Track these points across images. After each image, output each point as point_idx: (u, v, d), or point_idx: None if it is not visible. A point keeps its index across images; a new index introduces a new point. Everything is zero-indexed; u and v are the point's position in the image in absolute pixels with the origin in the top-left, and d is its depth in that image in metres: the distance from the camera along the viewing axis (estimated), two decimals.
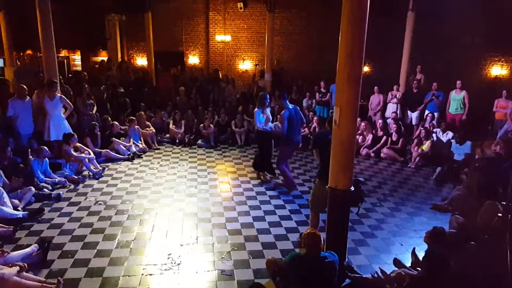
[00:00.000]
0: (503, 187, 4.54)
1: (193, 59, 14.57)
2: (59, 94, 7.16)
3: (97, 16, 13.19)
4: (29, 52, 14.19)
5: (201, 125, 9.47)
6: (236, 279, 3.81)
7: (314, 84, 11.07)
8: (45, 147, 6.27)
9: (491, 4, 9.51)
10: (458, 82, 9.17)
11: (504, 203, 3.30)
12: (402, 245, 4.61)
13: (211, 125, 9.48)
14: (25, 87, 7.04)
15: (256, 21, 13.97)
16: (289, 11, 13.55)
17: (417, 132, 8.72)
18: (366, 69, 12.92)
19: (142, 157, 8.09)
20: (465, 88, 9.16)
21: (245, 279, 3.80)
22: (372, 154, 8.54)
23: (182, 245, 4.45)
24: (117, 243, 4.47)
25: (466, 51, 11.71)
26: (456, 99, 9.18)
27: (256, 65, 14.16)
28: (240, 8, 13.57)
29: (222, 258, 4.20)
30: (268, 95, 6.70)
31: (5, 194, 4.91)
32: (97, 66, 12.72)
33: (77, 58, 15.12)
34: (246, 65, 14.45)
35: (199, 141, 9.21)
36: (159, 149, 8.84)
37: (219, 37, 14.15)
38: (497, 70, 12.45)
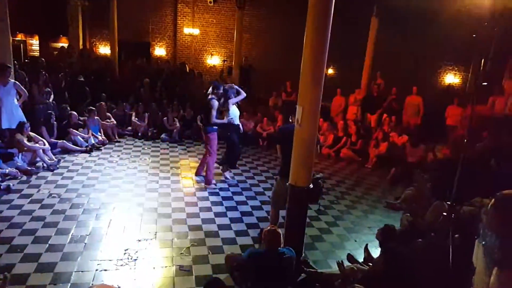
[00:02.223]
0: (450, 189, 4.84)
1: (160, 51, 14.20)
2: (12, 80, 6.70)
3: (58, 0, 12.47)
4: None
5: (165, 118, 9.27)
6: (194, 275, 3.79)
7: (281, 83, 11.18)
8: None
9: (448, 16, 10.04)
10: (414, 88, 9.65)
11: (449, 203, 3.52)
12: (356, 241, 4.79)
13: (176, 120, 9.31)
14: None
15: (226, 17, 13.85)
16: (258, 9, 13.55)
17: (375, 134, 9.07)
18: (330, 71, 13.24)
19: (101, 150, 7.79)
20: (420, 94, 9.65)
21: (204, 275, 3.78)
22: (333, 154, 8.79)
23: (140, 241, 4.35)
24: (70, 237, 4.28)
25: (424, 59, 12.32)
26: (412, 104, 9.65)
27: (224, 61, 14.06)
28: (210, 2, 13.40)
29: (181, 253, 4.15)
30: (216, 83, 6.45)
31: None
32: (56, 52, 12.04)
33: (35, 43, 14.18)
34: (214, 60, 14.30)
35: (163, 135, 9.00)
36: (119, 142, 8.55)
37: (187, 30, 13.88)
38: (450, 78, 13.22)
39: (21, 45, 13.29)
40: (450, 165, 6.16)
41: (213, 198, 5.77)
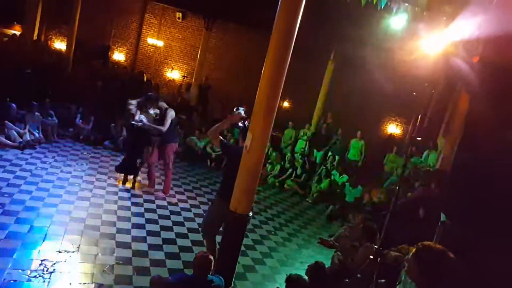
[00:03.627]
0: (379, 232, 5.07)
1: (119, 56, 13.75)
2: None
3: None
4: None
5: (112, 125, 8.84)
6: None
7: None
8: None
9: (395, 73, 10.93)
10: (359, 132, 10.23)
11: (376, 247, 3.66)
12: (287, 275, 4.78)
13: (124, 128, 8.90)
14: None
15: (192, 35, 13.87)
16: (225, 33, 13.76)
17: (319, 170, 9.39)
18: (285, 104, 13.63)
19: (35, 148, 7.17)
20: (364, 138, 10.24)
21: None
22: (277, 184, 8.92)
23: (60, 252, 3.99)
24: None
25: (370, 107, 13.17)
26: (356, 146, 10.19)
27: (184, 76, 13.94)
28: (178, 18, 13.37)
29: (103, 271, 3.86)
30: (150, 96, 6.43)
31: None
32: (6, 39, 11.15)
33: None
34: (174, 74, 14.13)
35: (106, 142, 8.52)
36: (58, 142, 7.96)
37: (151, 40, 13.67)
38: (392, 128, 14.22)
39: None
40: (382, 210, 6.54)
41: (148, 215, 5.50)
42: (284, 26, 3.59)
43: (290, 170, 9.10)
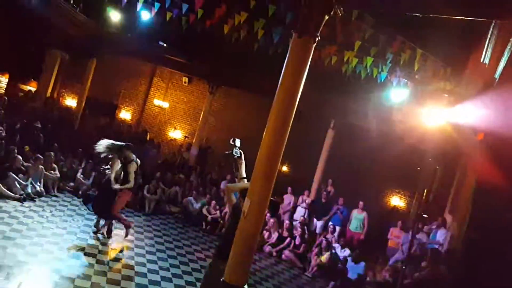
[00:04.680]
0: None
1: (125, 114, 14.54)
2: None
3: (41, 48, 12.87)
4: None
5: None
6: None
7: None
8: None
9: (396, 147, 11.40)
10: (361, 203, 10.35)
11: None
12: None
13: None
14: None
15: (196, 98, 14.79)
16: (228, 97, 14.64)
17: (319, 241, 9.35)
18: (284, 168, 13.92)
19: (35, 201, 7.42)
20: (366, 210, 10.33)
21: None
22: (274, 254, 8.85)
23: None
24: None
25: (371, 177, 13.44)
26: (357, 218, 10.24)
27: (185, 137, 14.57)
28: (185, 82, 14.42)
29: None
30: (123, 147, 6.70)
31: None
32: (21, 94, 12.01)
33: (3, 81, 14.11)
34: (176, 134, 14.77)
35: None
36: (57, 196, 8.21)
37: (157, 102, 14.59)
38: (396, 200, 14.30)
39: None
40: None
41: (138, 280, 5.52)
42: (285, 95, 3.95)
43: (289, 239, 9.09)
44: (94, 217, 7.59)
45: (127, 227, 6.80)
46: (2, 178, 7.21)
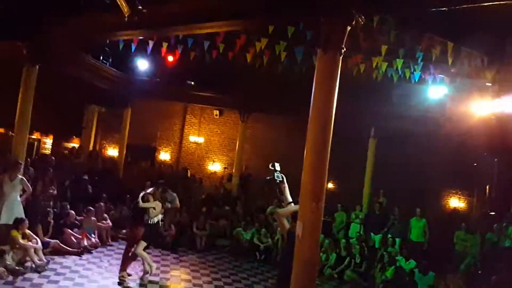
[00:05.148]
0: None
1: (165, 155, 15.06)
2: (20, 176, 7.12)
3: (78, 105, 13.85)
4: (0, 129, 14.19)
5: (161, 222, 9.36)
6: None
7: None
8: None
9: (447, 144, 10.89)
10: (418, 209, 9.88)
11: None
12: None
13: (172, 225, 9.39)
14: None
15: (229, 128, 15.09)
16: (260, 123, 14.78)
17: (381, 256, 8.96)
18: (330, 185, 13.67)
19: (92, 253, 7.74)
20: (425, 216, 9.83)
21: None
22: (335, 276, 8.56)
23: None
24: None
25: (427, 181, 12.84)
26: (417, 226, 9.75)
27: (225, 168, 14.78)
28: (216, 115, 14.81)
29: None
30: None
31: None
32: (66, 152, 12.85)
33: (48, 142, 15.21)
34: (215, 166, 15.03)
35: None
36: (112, 245, 8.52)
37: (193, 138, 15.02)
38: (455, 202, 13.51)
39: (35, 143, 14.25)
40: None
41: None
42: (320, 112, 3.97)
43: (348, 258, 8.78)
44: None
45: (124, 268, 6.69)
46: (59, 235, 7.64)
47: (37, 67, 7.75)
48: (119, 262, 7.33)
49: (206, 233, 9.57)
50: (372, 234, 10.24)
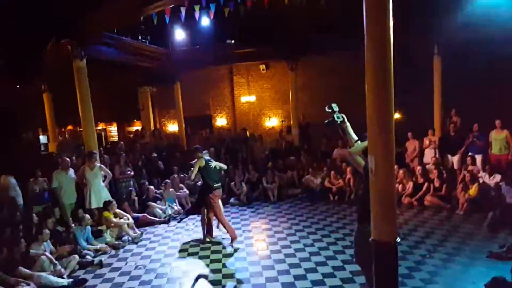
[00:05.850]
0: None
1: (221, 121, 15.37)
2: (98, 164, 7.76)
3: (130, 89, 14.50)
4: (69, 127, 15.57)
5: (232, 183, 9.76)
6: None
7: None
8: (87, 215, 6.71)
9: None
10: (498, 121, 9.06)
11: None
12: None
13: (243, 183, 9.73)
14: (67, 159, 7.76)
15: (279, 80, 14.76)
16: (310, 67, 14.23)
17: (461, 176, 8.52)
18: (396, 115, 13.02)
19: (177, 219, 8.34)
20: (506, 127, 9.01)
21: None
22: (415, 203, 8.37)
23: None
24: None
25: (504, 91, 11.64)
26: (498, 139, 9.00)
27: (282, 121, 14.71)
28: (263, 70, 14.50)
29: None
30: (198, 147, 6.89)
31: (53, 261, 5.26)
32: (131, 135, 13.69)
33: (113, 130, 16.40)
34: (272, 122, 15.04)
35: (232, 200, 9.46)
36: None
37: (244, 98, 15.02)
38: None
39: (102, 132, 15.43)
40: None
41: (290, 260, 5.76)
42: (376, 31, 3.62)
43: (426, 184, 8.48)
44: (229, 217, 8.27)
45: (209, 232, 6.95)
46: (145, 209, 8.33)
47: (85, 60, 8.16)
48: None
49: (276, 185, 9.78)
50: (449, 156, 9.72)
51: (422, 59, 11.11)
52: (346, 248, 6.11)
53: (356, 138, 4.08)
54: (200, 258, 6.10)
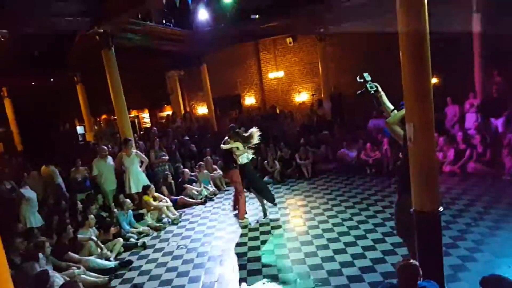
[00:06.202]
0: None
1: (249, 100, 15.30)
2: (134, 150, 8.01)
3: (158, 75, 14.68)
4: (104, 116, 16.14)
5: (265, 161, 9.77)
6: None
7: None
8: (127, 199, 6.99)
9: None
10: None
11: None
12: (510, 267, 4.21)
13: (275, 161, 9.72)
14: (105, 147, 8.06)
15: (307, 53, 14.35)
16: (339, 36, 13.69)
17: (507, 140, 8.04)
18: (434, 80, 12.38)
19: (213, 200, 8.54)
20: None
21: None
22: (457, 170, 8.04)
23: (264, 284, 4.55)
24: (202, 285, 4.73)
25: None
26: None
27: (313, 95, 14.38)
28: (290, 43, 14.11)
29: None
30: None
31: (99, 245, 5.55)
32: (163, 120, 13.98)
33: (145, 116, 16.84)
34: (302, 96, 14.76)
35: (265, 178, 9.46)
36: (227, 190, 9.21)
37: (272, 74, 14.78)
38: None
39: (135, 120, 15.87)
40: None
41: (328, 235, 5.75)
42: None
43: (469, 150, 8.08)
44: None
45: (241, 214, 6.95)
46: (182, 191, 8.55)
47: (113, 49, 8.31)
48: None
49: (310, 162, 9.68)
50: (492, 119, 9.17)
51: (460, 17, 10.37)
52: (386, 220, 6.02)
53: (392, 107, 3.95)
54: (238, 236, 6.21)
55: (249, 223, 6.72)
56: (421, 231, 3.63)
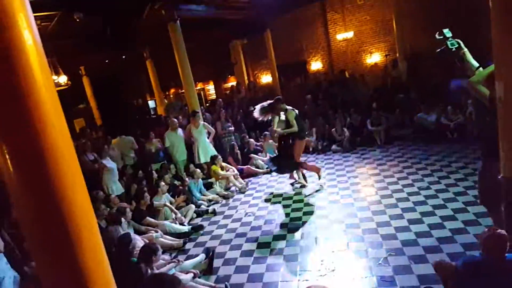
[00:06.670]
0: None
1: (316, 65, 14.85)
2: (202, 122, 8.36)
3: (222, 46, 14.90)
4: (172, 90, 16.99)
5: (333, 129, 9.55)
6: (399, 286, 3.70)
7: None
8: (197, 169, 7.40)
9: None
10: None
11: None
12: None
13: (344, 129, 9.45)
14: (175, 120, 8.52)
15: (379, 9, 13.36)
16: None
17: None
18: None
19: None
20: None
21: (410, 285, 3.65)
22: None
23: (333, 252, 4.56)
24: (270, 250, 4.90)
25: None
26: None
27: (386, 55, 13.48)
28: (360, 0, 13.27)
29: (379, 264, 4.13)
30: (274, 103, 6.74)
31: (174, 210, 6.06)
32: (228, 91, 14.29)
33: (211, 88, 17.37)
34: (374, 58, 13.91)
35: (334, 147, 9.30)
36: None
37: (340, 36, 14.05)
38: None
39: (201, 92, 16.46)
40: None
41: (402, 205, 5.52)
42: None
43: None
44: (332, 165, 8.23)
45: (317, 171, 6.97)
46: (248, 161, 8.78)
47: (178, 22, 8.56)
48: (307, 172, 7.96)
49: (383, 127, 9.25)
50: None
51: None
52: (469, 189, 5.60)
53: (477, 64, 3.58)
54: (305, 205, 6.26)
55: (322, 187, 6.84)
56: (510, 199, 3.35)
